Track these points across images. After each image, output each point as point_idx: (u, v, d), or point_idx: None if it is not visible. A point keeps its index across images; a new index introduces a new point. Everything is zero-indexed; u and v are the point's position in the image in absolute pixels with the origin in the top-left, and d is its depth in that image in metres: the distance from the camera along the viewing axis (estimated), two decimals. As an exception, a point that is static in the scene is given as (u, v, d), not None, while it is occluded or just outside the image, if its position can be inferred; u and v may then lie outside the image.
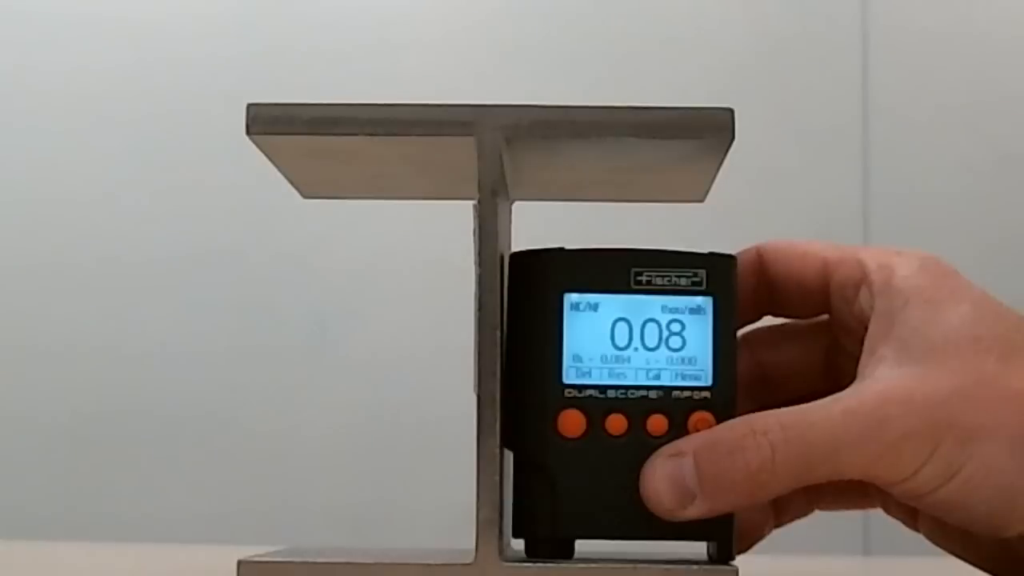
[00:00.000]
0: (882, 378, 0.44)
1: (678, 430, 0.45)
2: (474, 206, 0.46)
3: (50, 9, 1.47)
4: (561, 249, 0.47)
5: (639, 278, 0.46)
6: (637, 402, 0.46)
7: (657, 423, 0.46)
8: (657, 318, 0.46)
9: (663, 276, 0.46)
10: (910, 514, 0.50)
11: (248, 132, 0.47)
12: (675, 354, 0.46)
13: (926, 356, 0.44)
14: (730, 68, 1.44)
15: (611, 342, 0.46)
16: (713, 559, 0.47)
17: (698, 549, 0.47)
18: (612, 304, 0.46)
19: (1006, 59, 1.46)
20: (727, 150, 0.48)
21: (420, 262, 1.43)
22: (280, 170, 0.52)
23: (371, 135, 0.47)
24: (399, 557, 0.46)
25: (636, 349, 0.46)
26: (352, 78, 1.44)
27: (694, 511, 0.44)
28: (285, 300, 1.44)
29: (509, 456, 0.47)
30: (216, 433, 1.42)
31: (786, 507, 0.52)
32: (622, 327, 0.46)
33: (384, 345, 1.43)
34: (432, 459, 1.40)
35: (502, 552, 0.45)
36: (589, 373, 0.46)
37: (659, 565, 0.45)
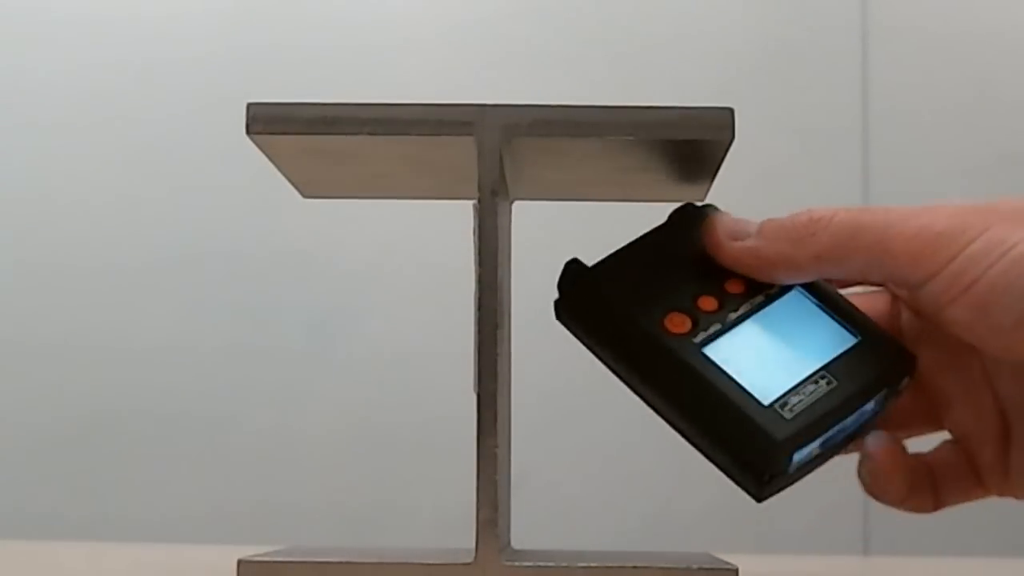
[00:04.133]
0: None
1: None
2: (474, 206, 0.46)
3: (50, 9, 1.47)
4: None
5: None
6: None
7: None
8: None
9: None
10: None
11: (248, 132, 0.47)
12: None
13: None
14: (730, 68, 1.44)
15: None
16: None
17: (697, 549, 0.47)
18: None
19: (1006, 59, 1.45)
20: (727, 150, 0.48)
21: (420, 262, 1.43)
22: (280, 170, 0.52)
23: (371, 135, 0.47)
24: (399, 557, 0.46)
25: None
26: (352, 78, 1.44)
27: (748, 242, 0.47)
28: (285, 300, 1.44)
29: (509, 456, 0.47)
30: (216, 433, 1.42)
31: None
32: None
33: (384, 345, 1.43)
34: (432, 459, 1.39)
35: (502, 552, 0.45)
36: None
37: (659, 565, 0.45)
